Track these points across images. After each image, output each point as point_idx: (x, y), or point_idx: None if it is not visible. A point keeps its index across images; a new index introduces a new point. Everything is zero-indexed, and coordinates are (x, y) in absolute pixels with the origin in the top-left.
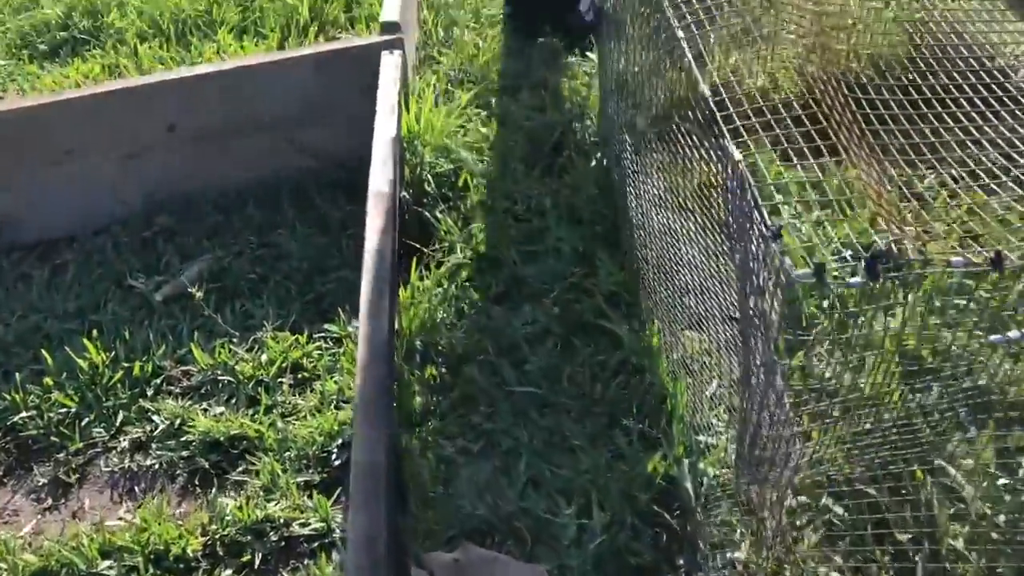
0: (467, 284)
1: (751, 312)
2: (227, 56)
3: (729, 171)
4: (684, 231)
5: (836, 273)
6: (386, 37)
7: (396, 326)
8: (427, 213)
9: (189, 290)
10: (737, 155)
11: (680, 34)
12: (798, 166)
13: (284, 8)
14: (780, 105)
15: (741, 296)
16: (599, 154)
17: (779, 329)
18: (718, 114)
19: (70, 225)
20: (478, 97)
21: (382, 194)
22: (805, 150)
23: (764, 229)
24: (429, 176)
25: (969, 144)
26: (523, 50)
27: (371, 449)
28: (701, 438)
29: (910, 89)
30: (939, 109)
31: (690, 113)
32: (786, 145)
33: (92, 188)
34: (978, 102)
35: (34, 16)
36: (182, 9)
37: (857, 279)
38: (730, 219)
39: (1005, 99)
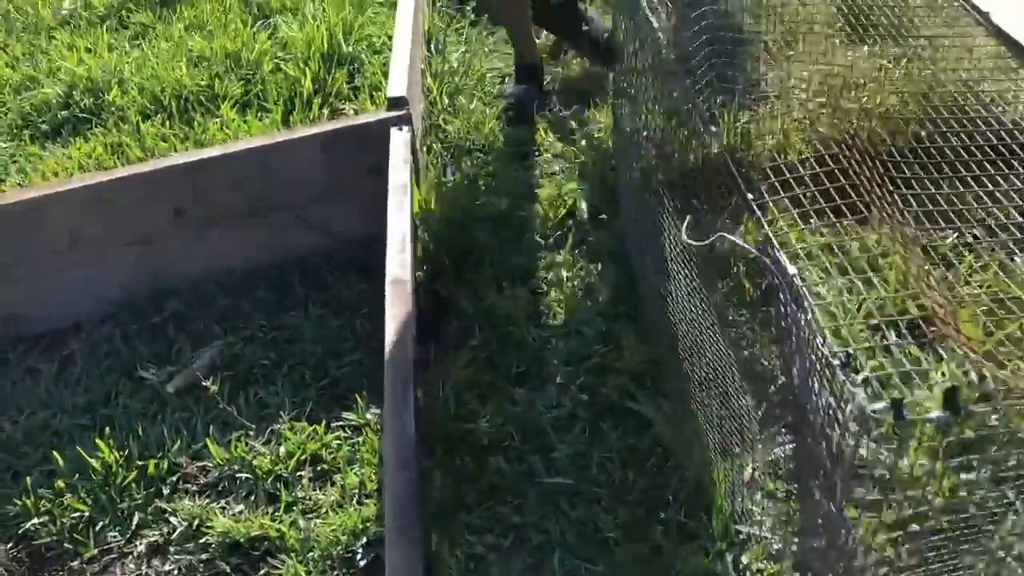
0: (487, 365)
1: (812, 446)
2: (230, 130)
3: (783, 287)
4: (711, 318)
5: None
6: (393, 113)
7: (418, 416)
8: (443, 291)
9: (202, 381)
10: (792, 269)
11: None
12: (820, 228)
13: (287, 81)
14: (796, 164)
15: (798, 417)
16: (614, 221)
17: (847, 476)
18: (740, 182)
19: (77, 314)
20: (487, 165)
21: (400, 281)
22: (826, 210)
23: (829, 356)
24: (443, 253)
25: (988, 201)
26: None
27: (408, 568)
28: (742, 529)
29: (926, 147)
30: (959, 168)
31: (710, 178)
32: (807, 207)
33: (98, 276)
34: (995, 158)
35: (35, 96)
36: (183, 84)
37: (938, 413)
38: (784, 335)
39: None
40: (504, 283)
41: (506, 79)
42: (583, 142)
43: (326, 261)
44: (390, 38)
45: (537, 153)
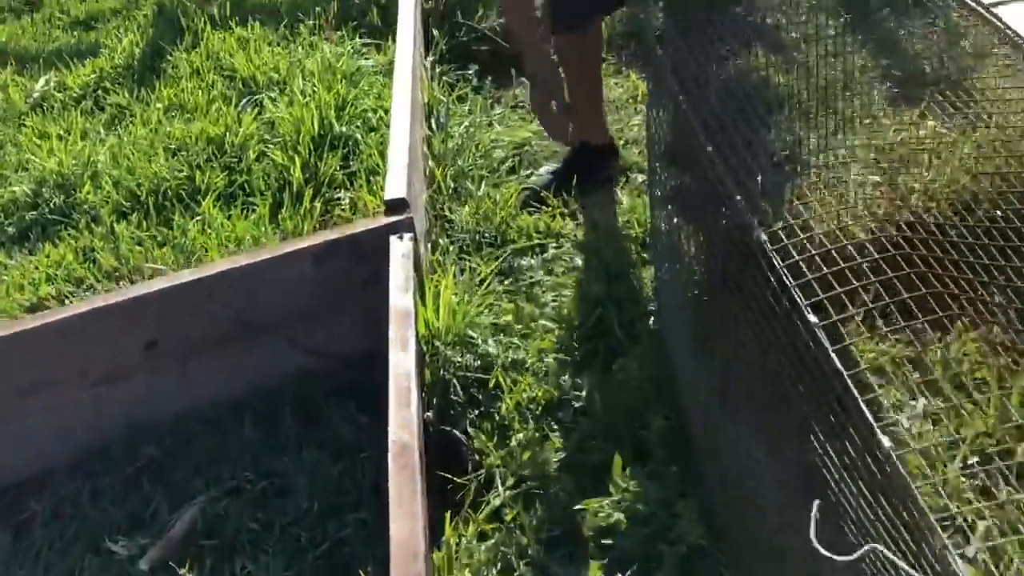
0: (514, 526)
1: None
2: (212, 231)
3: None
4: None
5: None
6: (392, 219)
7: None
8: (456, 432)
9: (179, 555)
10: (887, 442)
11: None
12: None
13: (275, 169)
14: (852, 252)
15: None
16: (650, 336)
17: None
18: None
19: (42, 464)
20: (499, 262)
21: (406, 449)
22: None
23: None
24: (455, 380)
25: None
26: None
27: None
28: None
29: (1001, 229)
30: None
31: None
32: (870, 306)
33: (64, 420)
34: None
35: (2, 195)
36: (162, 178)
37: None
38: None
39: None
40: (528, 419)
41: (521, 153)
42: (608, 230)
43: (320, 387)
44: (387, 112)
45: (556, 244)
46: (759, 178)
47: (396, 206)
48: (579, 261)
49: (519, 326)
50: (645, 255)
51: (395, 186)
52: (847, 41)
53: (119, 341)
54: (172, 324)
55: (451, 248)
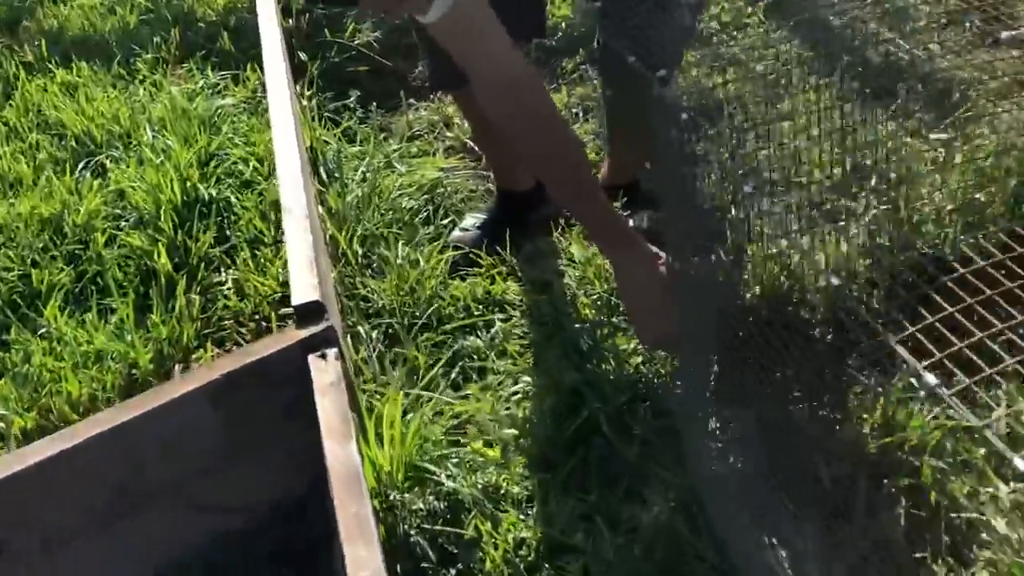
0: None
1: None
2: (61, 348)
3: None
4: None
5: None
6: (307, 332)
7: None
8: None
9: None
10: None
11: None
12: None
13: (132, 254)
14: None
15: None
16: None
17: None
18: None
19: None
20: (441, 349)
21: None
22: None
23: None
24: (420, 540)
25: None
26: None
27: None
28: None
29: None
30: None
31: None
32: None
33: None
34: None
35: None
36: None
37: None
38: None
39: None
40: (523, 573)
41: (433, 198)
42: (562, 293)
43: (243, 551)
44: (261, 161)
45: (503, 315)
46: None
47: (310, 313)
48: (536, 335)
49: (480, 442)
50: (616, 320)
51: (303, 284)
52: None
53: None
54: (25, 516)
55: (374, 337)
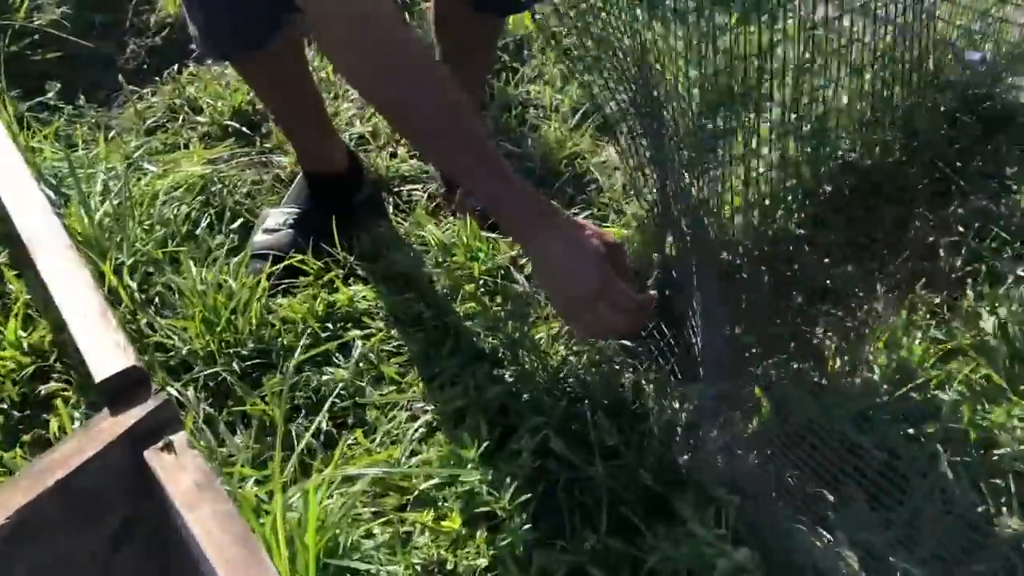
0: None
1: None
2: None
3: None
4: None
5: None
6: (130, 416)
7: None
8: None
9: None
10: None
11: None
12: None
13: None
14: None
15: None
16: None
17: None
18: None
19: None
20: (294, 395)
21: None
22: None
23: None
24: None
25: None
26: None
27: None
28: None
29: None
30: None
31: None
32: None
33: None
34: None
35: None
36: None
37: None
38: None
39: None
40: None
41: (207, 197)
42: (429, 287)
43: None
44: None
45: (360, 331)
46: None
47: (127, 387)
48: (417, 347)
49: (396, 531)
50: (525, 304)
51: (101, 345)
52: None
53: None
54: None
55: (191, 397)
